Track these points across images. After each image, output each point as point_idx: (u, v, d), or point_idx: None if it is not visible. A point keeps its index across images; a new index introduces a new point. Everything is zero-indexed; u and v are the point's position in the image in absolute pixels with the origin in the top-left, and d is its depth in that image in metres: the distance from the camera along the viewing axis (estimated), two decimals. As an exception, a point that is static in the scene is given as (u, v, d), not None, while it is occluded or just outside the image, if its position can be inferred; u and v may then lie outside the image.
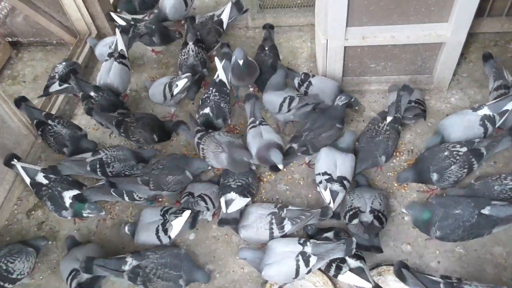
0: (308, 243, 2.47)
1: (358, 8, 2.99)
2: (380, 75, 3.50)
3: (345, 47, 3.23)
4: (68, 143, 3.16)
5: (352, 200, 2.71)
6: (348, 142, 2.90)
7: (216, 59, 3.28)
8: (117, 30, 3.63)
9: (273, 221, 2.62)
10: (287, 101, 3.09)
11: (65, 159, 3.07)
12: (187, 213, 2.64)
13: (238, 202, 2.79)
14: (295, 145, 2.97)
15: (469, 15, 2.95)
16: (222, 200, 2.79)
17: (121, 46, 3.57)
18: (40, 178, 2.93)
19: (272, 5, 4.13)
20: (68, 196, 2.85)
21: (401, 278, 2.32)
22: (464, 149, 2.75)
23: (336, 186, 2.72)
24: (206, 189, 2.89)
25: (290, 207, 2.69)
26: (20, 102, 3.25)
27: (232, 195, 2.79)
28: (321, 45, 3.27)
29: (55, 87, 3.55)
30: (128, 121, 3.15)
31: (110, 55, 3.54)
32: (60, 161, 3.03)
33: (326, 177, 2.74)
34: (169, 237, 2.66)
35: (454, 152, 2.75)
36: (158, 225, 2.67)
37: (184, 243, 2.90)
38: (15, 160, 3.05)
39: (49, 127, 3.20)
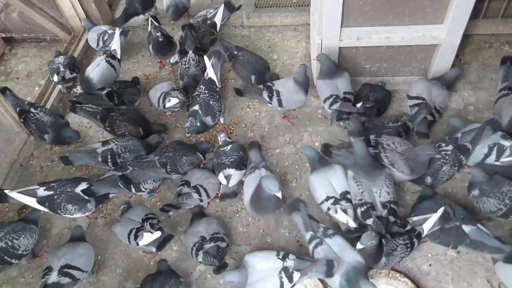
0: (287, 258, 2.48)
1: (353, 9, 2.98)
2: (374, 76, 3.48)
3: (339, 48, 3.22)
4: (49, 130, 3.21)
5: (362, 192, 2.64)
6: (314, 159, 2.86)
7: (205, 57, 3.29)
8: (117, 30, 3.63)
9: (283, 277, 2.44)
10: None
11: (76, 150, 3.12)
12: (157, 233, 2.62)
13: (236, 175, 2.90)
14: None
15: (464, 16, 2.95)
16: (221, 176, 2.89)
17: (115, 46, 3.59)
18: (43, 192, 2.82)
19: (268, 4, 4.11)
20: (81, 189, 2.85)
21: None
22: (450, 147, 2.77)
23: (343, 204, 2.67)
24: (203, 179, 2.91)
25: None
26: (3, 91, 3.26)
27: (229, 170, 2.89)
28: (316, 45, 3.26)
29: (67, 75, 3.55)
30: (113, 115, 3.21)
31: (105, 51, 3.57)
32: (72, 151, 3.10)
33: (331, 201, 2.67)
34: (137, 243, 2.65)
35: (443, 153, 2.75)
36: (134, 228, 2.66)
37: (176, 243, 2.88)
38: (6, 191, 2.84)
39: (31, 114, 3.23)
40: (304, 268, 2.44)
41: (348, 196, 2.70)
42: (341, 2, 2.89)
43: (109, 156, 3.02)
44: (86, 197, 2.83)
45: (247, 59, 3.53)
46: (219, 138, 3.16)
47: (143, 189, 2.96)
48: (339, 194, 2.70)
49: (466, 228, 2.47)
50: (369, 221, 2.55)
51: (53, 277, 2.49)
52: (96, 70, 3.50)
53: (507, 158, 2.74)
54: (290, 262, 2.47)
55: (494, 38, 3.78)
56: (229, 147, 3.02)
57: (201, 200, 2.86)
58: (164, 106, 3.35)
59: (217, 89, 3.28)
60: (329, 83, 3.16)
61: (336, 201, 2.67)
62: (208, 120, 3.20)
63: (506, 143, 2.75)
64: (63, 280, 2.49)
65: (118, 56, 3.61)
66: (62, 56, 3.69)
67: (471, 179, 2.69)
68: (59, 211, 2.84)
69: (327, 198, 2.68)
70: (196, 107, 3.19)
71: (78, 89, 3.49)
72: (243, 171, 2.95)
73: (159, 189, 3.16)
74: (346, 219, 2.61)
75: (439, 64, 3.29)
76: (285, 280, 2.42)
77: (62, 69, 3.56)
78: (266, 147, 3.31)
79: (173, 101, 3.29)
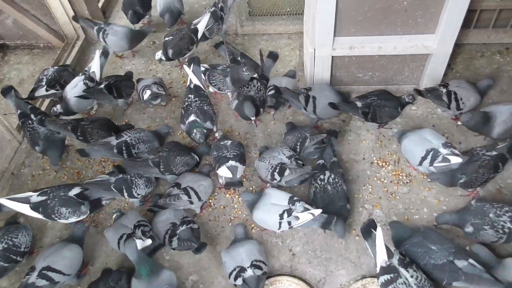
0: (297, 203, 2.67)
1: (345, 18, 3.00)
2: (367, 84, 3.50)
3: (332, 57, 3.24)
4: (40, 143, 3.19)
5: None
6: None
7: (185, 66, 3.34)
8: (97, 52, 3.56)
9: (285, 214, 2.66)
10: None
11: (92, 143, 3.10)
12: (148, 241, 2.63)
13: (241, 168, 2.97)
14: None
15: (455, 27, 2.98)
16: (223, 169, 2.92)
17: (94, 68, 3.50)
18: (36, 198, 2.80)
19: (261, 13, 4.12)
20: (74, 193, 2.84)
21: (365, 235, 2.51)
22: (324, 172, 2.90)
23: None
24: (194, 182, 2.91)
25: (304, 205, 2.68)
26: (8, 91, 3.24)
27: (233, 163, 2.93)
28: (309, 54, 3.27)
29: (41, 91, 3.50)
30: (83, 124, 3.19)
31: (83, 72, 3.50)
32: (88, 144, 3.09)
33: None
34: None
35: (323, 180, 2.88)
36: (125, 234, 2.66)
37: (168, 253, 2.87)
38: None
39: (29, 121, 3.20)
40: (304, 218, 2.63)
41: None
42: (334, 12, 2.92)
43: (124, 147, 3.04)
44: (80, 200, 2.81)
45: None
46: (216, 135, 3.23)
47: (135, 195, 2.94)
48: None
49: (459, 263, 2.38)
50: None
51: (33, 278, 2.50)
52: (72, 91, 3.39)
53: (439, 163, 2.78)
54: (297, 208, 2.65)
55: (485, 48, 3.82)
56: (229, 142, 3.07)
57: (191, 202, 2.85)
58: (143, 98, 3.46)
59: (205, 93, 3.31)
60: None
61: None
62: (209, 124, 3.22)
63: (443, 151, 2.78)
64: (40, 282, 2.49)
65: (97, 78, 3.51)
66: (51, 68, 3.63)
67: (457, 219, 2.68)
68: (53, 216, 2.79)
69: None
70: (193, 117, 3.18)
71: (58, 108, 3.42)
72: (244, 166, 3.02)
73: (151, 198, 3.14)
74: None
75: (431, 73, 3.32)
76: (284, 222, 2.65)
77: (43, 83, 3.51)
78: (260, 155, 3.30)
79: (147, 93, 3.43)
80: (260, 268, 2.53)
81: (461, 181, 2.77)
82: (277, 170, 2.85)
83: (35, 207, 2.78)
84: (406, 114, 3.42)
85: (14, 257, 2.67)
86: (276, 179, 2.88)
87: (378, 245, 2.37)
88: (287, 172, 2.83)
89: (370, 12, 2.96)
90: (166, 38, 3.75)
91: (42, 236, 3.03)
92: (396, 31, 3.07)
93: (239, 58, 3.58)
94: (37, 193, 2.81)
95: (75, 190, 2.85)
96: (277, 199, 2.73)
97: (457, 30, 3.00)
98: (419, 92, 3.18)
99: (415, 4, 2.89)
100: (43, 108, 3.65)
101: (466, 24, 3.48)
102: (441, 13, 2.93)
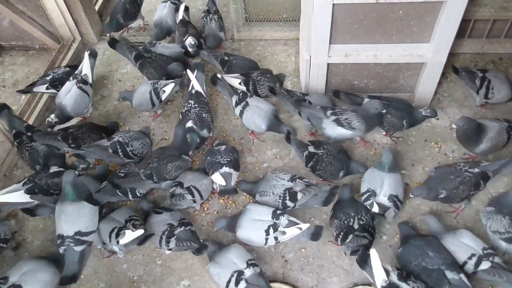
0: (281, 217, 2.66)
1: (341, 26, 3.02)
2: (362, 92, 3.50)
3: (328, 64, 3.25)
4: (41, 161, 3.11)
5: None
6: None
7: (188, 71, 3.33)
8: (86, 54, 3.51)
9: (270, 229, 2.65)
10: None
11: (87, 146, 3.06)
12: (140, 231, 2.63)
13: (235, 175, 2.95)
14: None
15: (450, 36, 3.00)
16: (217, 175, 2.91)
17: (86, 70, 3.44)
18: (24, 186, 2.82)
19: (258, 19, 4.13)
20: (54, 170, 2.94)
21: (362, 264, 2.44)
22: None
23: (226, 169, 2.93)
24: (196, 181, 2.92)
25: (289, 218, 2.69)
26: (1, 109, 3.17)
27: (226, 169, 2.92)
28: (305, 60, 3.29)
29: (41, 88, 3.48)
30: (72, 131, 3.16)
31: (74, 76, 3.42)
32: (83, 147, 3.06)
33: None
34: (117, 241, 2.65)
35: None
36: (116, 227, 2.67)
37: (160, 258, 2.86)
38: None
39: (27, 141, 3.14)
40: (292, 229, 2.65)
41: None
42: (330, 20, 2.93)
43: (118, 147, 3.02)
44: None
45: (240, 61, 3.58)
46: (214, 144, 3.20)
47: (138, 195, 2.97)
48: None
49: (449, 274, 2.38)
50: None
51: None
52: (68, 97, 3.33)
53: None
54: (282, 222, 2.66)
55: (479, 57, 3.85)
56: (223, 147, 3.07)
57: (194, 201, 2.87)
58: (160, 100, 3.41)
59: (206, 100, 3.31)
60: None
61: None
62: (205, 133, 3.21)
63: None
64: None
65: (90, 80, 3.46)
66: (63, 68, 3.63)
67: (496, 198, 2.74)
68: (51, 191, 2.85)
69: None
70: (190, 124, 3.18)
71: (53, 118, 3.34)
72: (238, 172, 3.01)
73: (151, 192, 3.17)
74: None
75: (425, 81, 3.34)
76: (270, 238, 2.64)
77: (47, 78, 3.51)
78: (254, 161, 3.31)
79: (169, 88, 3.37)
80: (256, 265, 2.53)
81: (441, 196, 2.77)
82: (287, 198, 2.76)
83: (30, 191, 2.80)
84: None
85: None
86: (289, 207, 2.79)
87: (374, 266, 2.32)
88: (299, 195, 2.75)
89: (366, 20, 2.97)
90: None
91: (33, 239, 3.00)
92: (391, 39, 3.09)
93: (226, 58, 3.60)
94: (21, 183, 2.84)
95: (53, 168, 2.96)
96: (259, 215, 2.71)
97: (451, 39, 3.02)
98: (454, 69, 3.29)
99: (410, 13, 2.91)
100: (37, 109, 3.65)
101: (461, 33, 3.51)
102: (435, 22, 2.95)
